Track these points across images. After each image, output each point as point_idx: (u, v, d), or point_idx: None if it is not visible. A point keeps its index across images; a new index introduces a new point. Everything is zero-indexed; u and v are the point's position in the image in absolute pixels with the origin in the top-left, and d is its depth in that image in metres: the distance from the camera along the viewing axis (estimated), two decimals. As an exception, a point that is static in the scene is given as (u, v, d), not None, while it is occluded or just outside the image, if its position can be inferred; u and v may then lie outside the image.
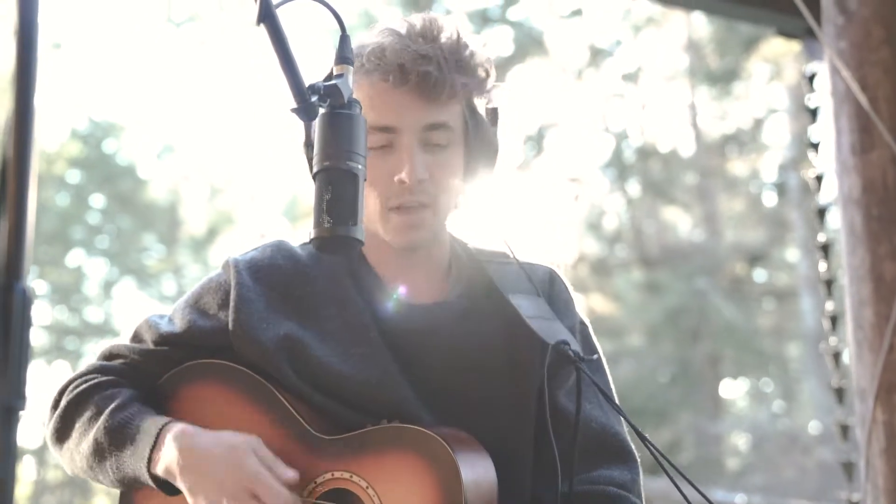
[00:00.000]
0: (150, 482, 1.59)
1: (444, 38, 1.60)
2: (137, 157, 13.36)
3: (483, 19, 12.20)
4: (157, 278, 13.63)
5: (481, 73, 1.64)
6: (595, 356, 1.75)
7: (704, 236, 13.21)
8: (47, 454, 10.49)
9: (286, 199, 13.39)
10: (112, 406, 1.64)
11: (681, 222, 13.74)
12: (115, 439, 1.61)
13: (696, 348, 12.63)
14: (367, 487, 1.54)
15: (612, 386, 1.77)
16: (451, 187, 1.65)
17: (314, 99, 1.35)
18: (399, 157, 1.59)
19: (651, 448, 1.54)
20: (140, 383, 1.72)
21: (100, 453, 1.63)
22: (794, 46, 9.63)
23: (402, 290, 1.71)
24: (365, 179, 1.35)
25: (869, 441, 2.69)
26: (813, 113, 3.59)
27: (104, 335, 12.64)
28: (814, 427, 13.07)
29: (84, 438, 1.65)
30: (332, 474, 1.57)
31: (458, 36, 1.61)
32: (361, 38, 1.64)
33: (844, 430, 3.51)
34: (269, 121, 13.47)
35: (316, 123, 1.36)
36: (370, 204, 1.61)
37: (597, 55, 12.65)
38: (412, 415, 1.61)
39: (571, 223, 12.45)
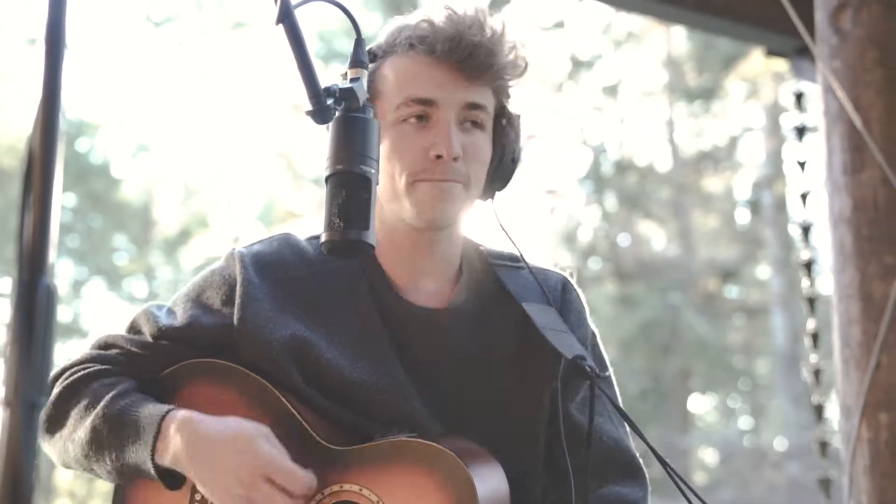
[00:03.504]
0: (153, 472, 1.52)
1: (491, 23, 1.59)
2: (111, 157, 13.26)
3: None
4: (128, 279, 13.52)
5: (521, 66, 1.63)
6: (607, 373, 1.72)
7: (678, 251, 13.31)
8: None
9: (261, 202, 13.35)
10: (112, 393, 1.57)
11: (655, 237, 13.83)
12: (116, 427, 1.54)
13: (668, 362, 12.70)
14: (377, 502, 1.49)
15: (620, 399, 1.75)
16: (481, 172, 1.61)
17: (329, 102, 1.34)
18: (436, 132, 1.55)
19: (665, 465, 1.52)
20: (137, 375, 1.64)
21: (98, 442, 1.55)
22: (773, 66, 9.73)
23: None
24: (377, 184, 1.34)
25: (853, 458, 2.71)
26: (800, 132, 3.63)
27: (72, 335, 12.51)
28: (781, 443, 13.19)
29: (80, 426, 1.57)
30: (341, 486, 1.52)
31: (504, 26, 1.60)
32: (402, 19, 1.62)
33: (823, 446, 3.54)
34: (247, 123, 13.41)
35: (330, 126, 1.35)
36: (394, 180, 1.56)
37: (577, 68, 12.71)
38: (421, 423, 1.57)
39: (547, 235, 12.49)
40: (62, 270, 12.88)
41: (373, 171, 1.32)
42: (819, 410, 3.59)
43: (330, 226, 1.29)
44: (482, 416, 1.61)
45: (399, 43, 1.60)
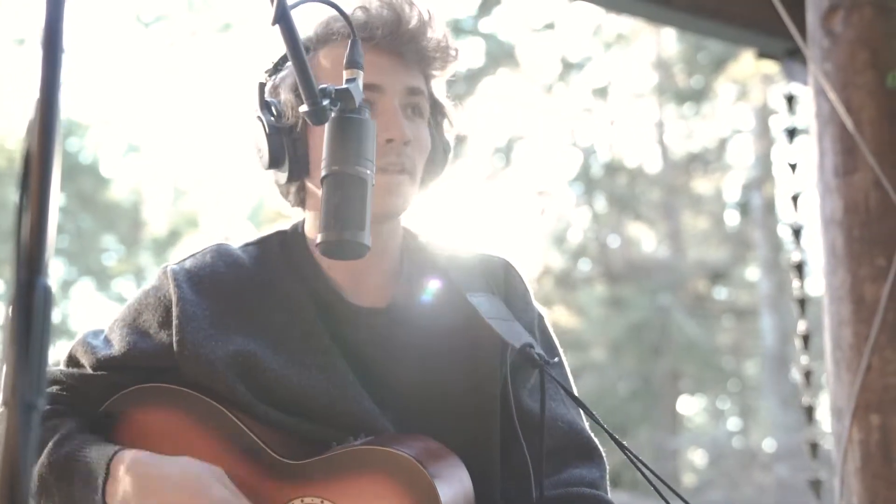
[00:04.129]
0: None
1: (423, 9, 1.59)
2: (101, 156, 13.23)
3: (455, 30, 12.21)
4: (117, 280, 13.48)
5: (454, 52, 1.63)
6: (556, 359, 1.69)
7: (668, 253, 13.34)
8: None
9: (251, 203, 13.33)
10: (55, 439, 1.50)
11: (645, 238, 13.86)
12: (63, 474, 1.48)
13: (657, 364, 12.73)
14: None
15: (571, 378, 1.73)
16: (424, 160, 1.60)
17: (325, 102, 1.34)
18: (384, 118, 1.53)
19: (623, 448, 1.52)
20: (81, 411, 1.59)
21: (46, 490, 1.49)
22: (763, 68, 9.76)
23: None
24: (373, 185, 1.34)
25: (844, 460, 2.72)
26: (791, 133, 3.64)
27: (61, 336, 12.46)
28: (769, 445, 13.23)
29: None
30: (302, 500, 1.48)
31: (433, 13, 1.60)
32: (329, 9, 1.54)
33: (814, 448, 3.56)
34: (237, 124, 13.38)
35: (325, 127, 1.34)
36: None
37: (567, 69, 12.74)
38: (376, 426, 1.54)
39: (537, 236, 12.51)
40: (52, 271, 12.82)
41: (368, 171, 1.31)
42: (809, 412, 3.60)
43: (326, 226, 1.29)
44: (436, 413, 1.59)
45: (334, 32, 1.57)
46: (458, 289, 1.62)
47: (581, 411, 1.66)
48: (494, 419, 1.62)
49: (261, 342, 1.56)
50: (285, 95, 1.57)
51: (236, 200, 13.48)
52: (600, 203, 13.50)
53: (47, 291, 0.89)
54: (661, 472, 1.58)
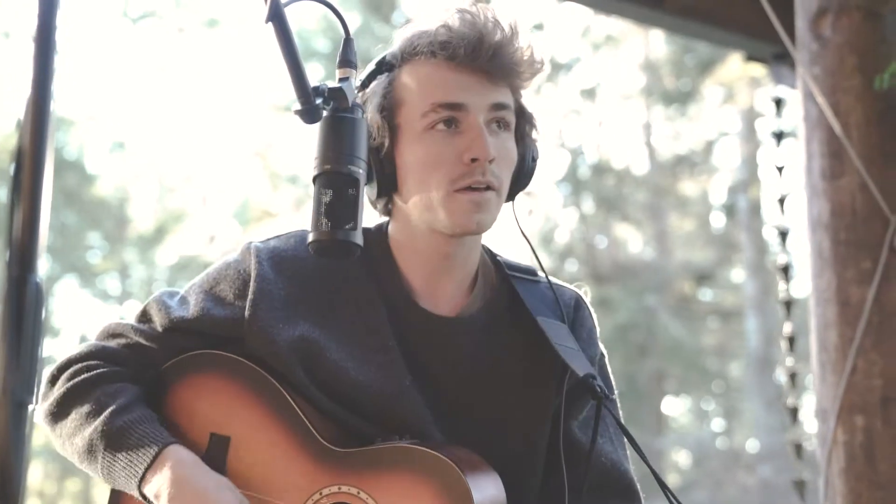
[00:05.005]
0: (138, 496, 1.54)
1: (508, 23, 1.58)
2: (86, 153, 13.16)
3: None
4: (101, 277, 13.41)
5: (538, 62, 1.62)
6: (614, 395, 1.71)
7: (654, 254, 13.38)
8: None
9: (237, 201, 13.28)
10: (114, 407, 1.56)
11: (632, 239, 13.89)
12: (112, 444, 1.54)
13: (643, 364, 12.76)
14: None
15: (623, 421, 1.73)
16: (510, 174, 1.60)
17: (318, 101, 1.33)
18: (469, 136, 1.53)
19: (664, 488, 1.53)
20: (142, 367, 1.65)
21: (92, 453, 1.56)
22: (750, 71, 9.80)
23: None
24: (365, 184, 1.34)
25: (829, 461, 2.73)
26: (778, 136, 3.66)
27: (44, 334, 12.38)
28: (753, 445, 13.29)
29: (79, 433, 1.57)
30: (339, 488, 1.52)
31: (517, 24, 1.59)
32: (416, 26, 1.60)
33: (798, 449, 3.58)
34: (223, 122, 13.35)
35: (318, 126, 1.34)
36: (427, 190, 1.54)
37: (556, 70, 12.75)
38: (424, 431, 1.57)
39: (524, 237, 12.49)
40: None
41: (360, 171, 1.31)
42: (794, 413, 3.63)
43: (317, 226, 1.29)
44: (486, 427, 1.61)
45: (418, 50, 1.57)
46: (529, 310, 1.63)
47: (627, 453, 1.69)
48: (541, 444, 1.64)
49: (326, 332, 1.59)
50: (372, 115, 1.57)
51: (222, 198, 13.43)
52: (587, 204, 13.53)
53: (39, 288, 0.89)
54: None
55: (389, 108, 1.56)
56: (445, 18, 1.58)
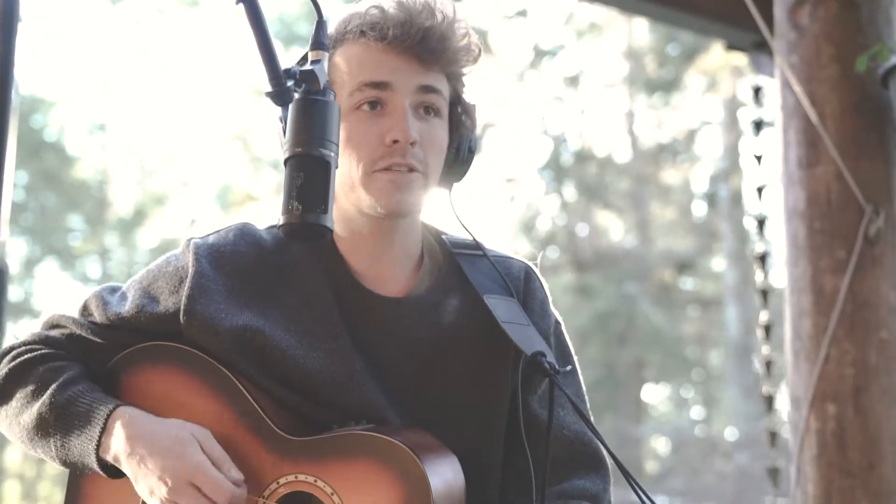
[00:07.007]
0: (97, 467, 1.52)
1: (441, 8, 1.58)
2: (66, 134, 13.06)
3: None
4: (82, 259, 13.34)
5: (474, 51, 1.62)
6: (569, 367, 1.69)
7: (635, 242, 13.41)
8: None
9: (218, 184, 13.23)
10: (60, 380, 1.56)
11: (613, 227, 13.93)
12: (62, 417, 1.54)
13: (622, 352, 12.82)
14: (331, 494, 1.48)
15: (584, 389, 1.73)
16: (438, 160, 1.59)
17: (290, 83, 1.32)
18: (391, 118, 1.53)
19: (619, 464, 1.52)
20: (84, 357, 1.64)
21: (43, 429, 1.55)
22: (732, 60, 9.82)
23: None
24: (337, 167, 1.33)
25: (801, 448, 2.76)
26: (757, 125, 3.67)
27: (23, 315, 12.33)
28: (731, 433, 13.39)
29: (26, 410, 1.56)
30: (296, 476, 1.51)
31: (455, 12, 1.59)
32: (350, 8, 1.60)
33: (773, 436, 3.60)
34: (204, 105, 13.28)
35: (290, 108, 1.33)
36: (351, 170, 1.54)
37: (539, 57, 12.75)
38: (378, 415, 1.56)
39: (506, 223, 12.52)
40: (14, 249, 12.68)
41: (332, 154, 1.30)
42: (769, 401, 3.65)
43: (288, 209, 1.27)
44: (441, 408, 1.60)
45: (349, 31, 1.58)
46: (476, 289, 1.62)
47: (592, 418, 1.67)
48: (499, 422, 1.64)
49: (272, 322, 1.58)
50: None
51: (203, 181, 13.37)
52: (569, 191, 13.55)
53: (1, 271, 0.88)
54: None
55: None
56: (379, 1, 1.58)
